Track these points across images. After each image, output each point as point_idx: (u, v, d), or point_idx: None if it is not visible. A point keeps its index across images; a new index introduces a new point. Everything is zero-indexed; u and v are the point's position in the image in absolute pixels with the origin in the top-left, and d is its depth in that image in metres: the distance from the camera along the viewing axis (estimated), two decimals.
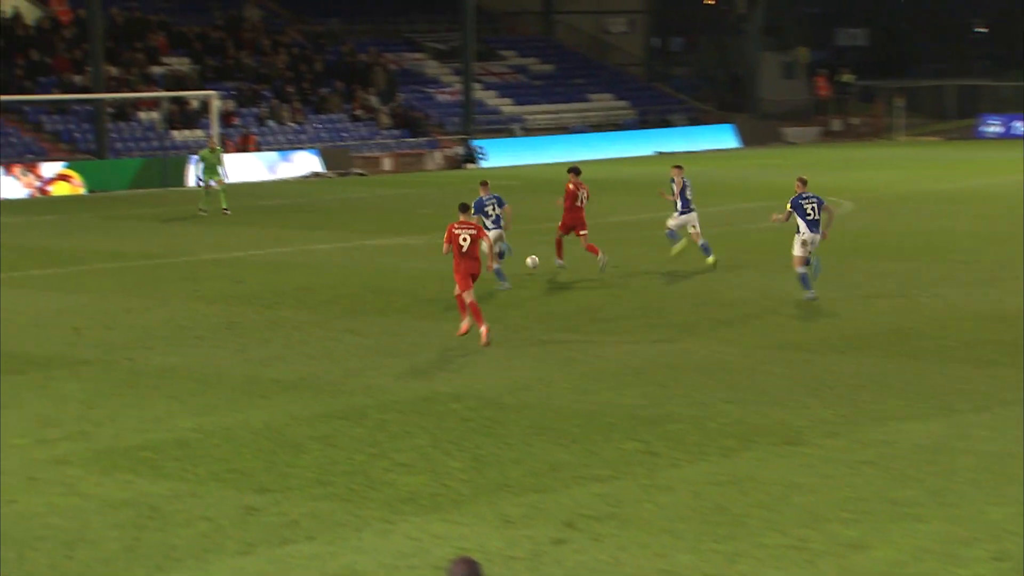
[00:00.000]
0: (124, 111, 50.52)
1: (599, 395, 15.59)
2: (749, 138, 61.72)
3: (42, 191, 43.82)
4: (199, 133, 50.62)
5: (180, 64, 54.31)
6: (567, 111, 62.20)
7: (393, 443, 13.63)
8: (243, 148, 50.33)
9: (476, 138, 56.02)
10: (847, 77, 68.12)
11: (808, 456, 12.98)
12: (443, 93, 60.49)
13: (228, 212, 35.83)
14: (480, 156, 54.55)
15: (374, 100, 57.54)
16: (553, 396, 15.55)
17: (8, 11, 53.20)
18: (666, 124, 62.34)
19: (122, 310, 21.44)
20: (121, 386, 16.15)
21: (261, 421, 14.49)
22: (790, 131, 63.75)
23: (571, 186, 24.67)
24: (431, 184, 47.03)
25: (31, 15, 54.05)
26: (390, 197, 34.20)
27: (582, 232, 24.39)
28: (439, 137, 56.47)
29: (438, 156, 55.21)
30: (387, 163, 54.06)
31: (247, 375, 16.69)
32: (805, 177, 21.90)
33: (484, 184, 23.55)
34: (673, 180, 24.77)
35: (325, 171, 51.14)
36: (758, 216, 31.22)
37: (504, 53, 65.30)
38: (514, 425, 14.31)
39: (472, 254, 18.53)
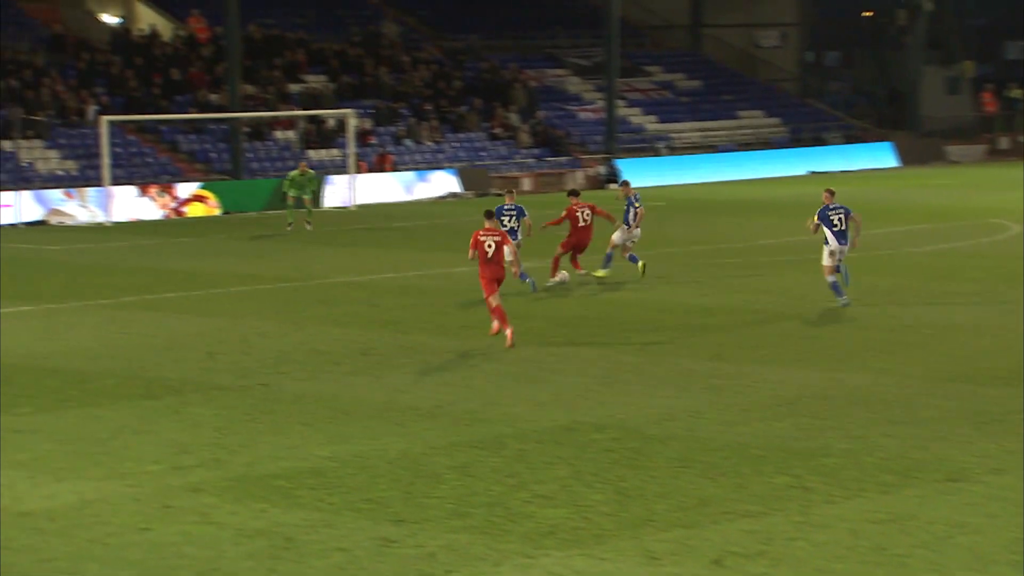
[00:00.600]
0: (260, 130, 51.53)
1: (748, 426, 15.43)
2: (909, 157, 60.72)
3: (177, 212, 44.82)
4: (335, 152, 51.42)
5: (317, 82, 55.25)
6: (715, 129, 61.88)
7: (533, 474, 13.65)
8: (379, 168, 50.99)
9: (619, 157, 55.99)
10: (1016, 92, 66.65)
11: (973, 494, 12.69)
12: (585, 111, 60.58)
13: (310, 227, 38.36)
14: (620, 176, 54.51)
15: (514, 118, 57.86)
16: (700, 427, 15.43)
17: (145, 28, 54.69)
18: (820, 142, 61.65)
19: (257, 334, 21.82)
20: (256, 412, 16.43)
21: (397, 449, 14.62)
22: (954, 149, 62.56)
23: (573, 208, 26.82)
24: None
25: (168, 32, 55.47)
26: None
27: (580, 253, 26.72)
28: (580, 156, 56.55)
29: (579, 176, 55.29)
30: (527, 183, 54.26)
31: (383, 402, 16.86)
32: (833, 189, 23.11)
33: (510, 193, 26.19)
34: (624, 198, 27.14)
35: (463, 191, 51.52)
36: (920, 239, 30.68)
37: (649, 69, 65.21)
38: (659, 457, 14.22)
39: (496, 260, 20.49)
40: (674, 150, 59.60)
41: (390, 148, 52.78)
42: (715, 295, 24.77)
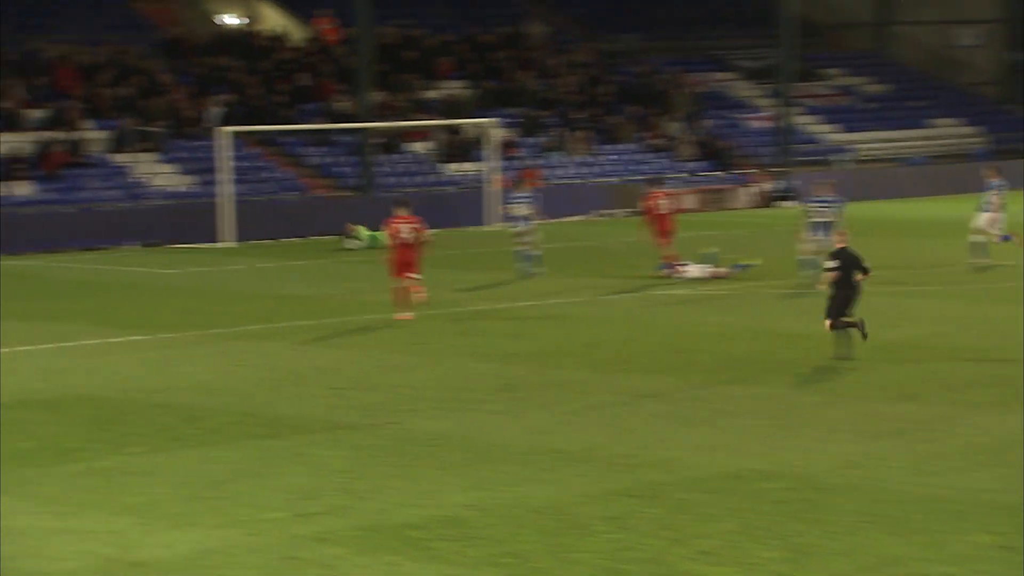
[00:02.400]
0: (392, 142, 52.09)
1: (943, 477, 15.18)
2: None
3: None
4: (474, 166, 51.75)
5: (456, 88, 55.74)
6: (904, 139, 61.12)
7: (695, 527, 13.58)
8: (521, 181, 50.98)
9: (794, 171, 55.57)
10: None
11: None
12: (755, 119, 60.24)
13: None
14: (791, 193, 54.05)
15: (674, 127, 57.76)
16: (886, 477, 15.22)
17: (270, 30, 55.41)
18: None
19: (387, 368, 22.06)
20: (386, 454, 16.60)
21: (543, 498, 14.65)
22: None
23: (652, 198, 32.86)
24: (739, 225, 46.83)
25: (295, 34, 56.27)
26: (691, 240, 34.27)
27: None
28: (749, 170, 56.22)
29: (748, 192, 54.98)
30: (688, 200, 54.08)
31: (527, 445, 16.92)
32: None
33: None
34: None
35: (616, 210, 51.56)
36: None
37: (828, 72, 64.68)
38: (839, 510, 14.06)
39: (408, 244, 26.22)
40: (858, 163, 58.94)
41: (535, 161, 52.98)
42: (903, 327, 24.42)
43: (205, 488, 15.18)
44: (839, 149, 59.45)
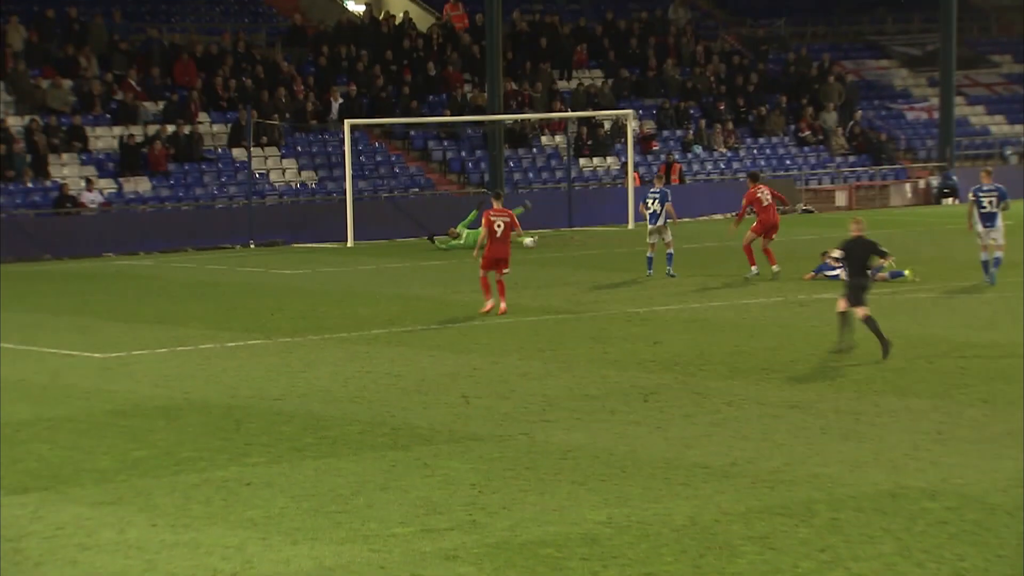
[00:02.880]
0: (524, 135, 52.23)
1: None
2: None
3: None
4: (611, 161, 51.78)
5: (591, 78, 55.78)
6: None
7: (849, 549, 13.46)
8: (663, 176, 50.88)
9: (957, 166, 54.86)
10: None
11: None
12: (915, 110, 59.63)
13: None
14: (954, 189, 53.35)
15: (827, 119, 57.32)
16: None
17: (396, 17, 55.73)
18: None
19: (518, 375, 22.12)
20: (517, 467, 16.65)
21: (684, 515, 14.61)
22: None
23: (753, 191, 33.32)
24: (898, 224, 46.33)
25: (422, 22, 56.59)
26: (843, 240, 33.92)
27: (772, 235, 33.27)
28: (909, 165, 55.62)
29: (907, 189, 54.42)
30: (841, 197, 53.70)
31: (667, 458, 16.89)
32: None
33: (659, 178, 35.54)
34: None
35: None
36: None
37: (996, 59, 63.77)
38: (1007, 531, 13.86)
39: (504, 238, 27.72)
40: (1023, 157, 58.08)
41: (676, 156, 52.86)
42: None
43: (328, 501, 15.34)
44: (1007, 142, 58.58)
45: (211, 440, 18.22)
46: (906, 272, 31.62)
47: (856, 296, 23.00)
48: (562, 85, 54.86)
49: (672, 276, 32.96)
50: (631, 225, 46.13)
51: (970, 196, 31.86)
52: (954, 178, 54.13)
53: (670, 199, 33.36)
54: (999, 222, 31.34)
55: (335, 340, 25.79)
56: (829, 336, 24.40)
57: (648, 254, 33.46)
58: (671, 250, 33.40)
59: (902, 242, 37.00)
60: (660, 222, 33.12)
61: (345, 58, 52.35)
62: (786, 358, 23.00)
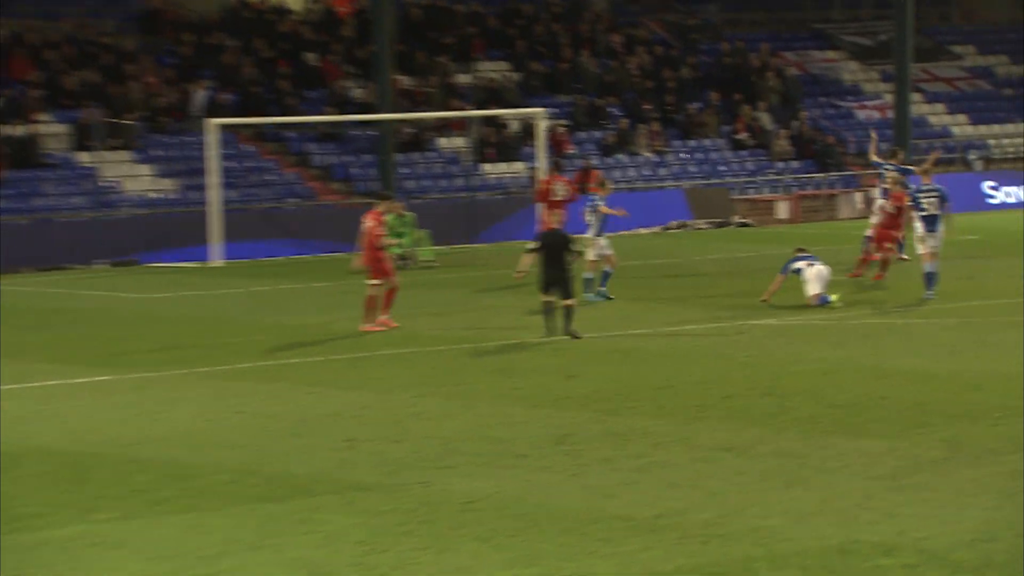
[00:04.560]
0: (419, 137, 52.24)
1: None
2: None
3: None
4: (518, 167, 51.89)
5: (496, 71, 55.92)
6: None
7: None
8: (581, 187, 51.05)
9: (915, 171, 55.43)
10: None
11: None
12: (866, 108, 60.29)
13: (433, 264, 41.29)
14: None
15: (766, 119, 57.82)
16: None
17: (272, 1, 55.44)
18: None
19: (413, 414, 22.11)
20: (411, 522, 16.62)
21: (605, 575, 14.66)
22: None
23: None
24: (847, 238, 46.71)
25: (300, 5, 56.39)
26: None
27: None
28: (860, 172, 56.17)
29: (857, 199, 54.91)
30: (783, 209, 54.14)
31: (584, 509, 16.92)
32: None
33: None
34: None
35: (694, 220, 51.60)
36: None
37: (958, 50, 64.60)
38: None
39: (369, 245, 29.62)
40: (992, 162, 58.85)
41: (595, 161, 53.10)
42: None
43: (190, 563, 15.24)
44: (971, 145, 59.35)
45: (53, 493, 18.05)
46: (832, 298, 31.67)
47: (553, 286, 27.90)
48: (462, 79, 54.96)
49: (606, 299, 33.11)
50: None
51: (906, 199, 32.64)
52: (912, 186, 54.73)
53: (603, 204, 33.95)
54: (940, 227, 31.97)
55: (199, 375, 25.65)
56: (770, 368, 24.57)
57: (586, 274, 33.59)
58: (609, 267, 33.58)
59: (850, 259, 37.34)
60: (594, 233, 33.71)
61: (210, 48, 52.12)
62: (721, 393, 23.13)
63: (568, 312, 28.17)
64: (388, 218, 41.06)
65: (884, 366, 25.26)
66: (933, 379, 23.91)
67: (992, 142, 59.79)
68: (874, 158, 40.84)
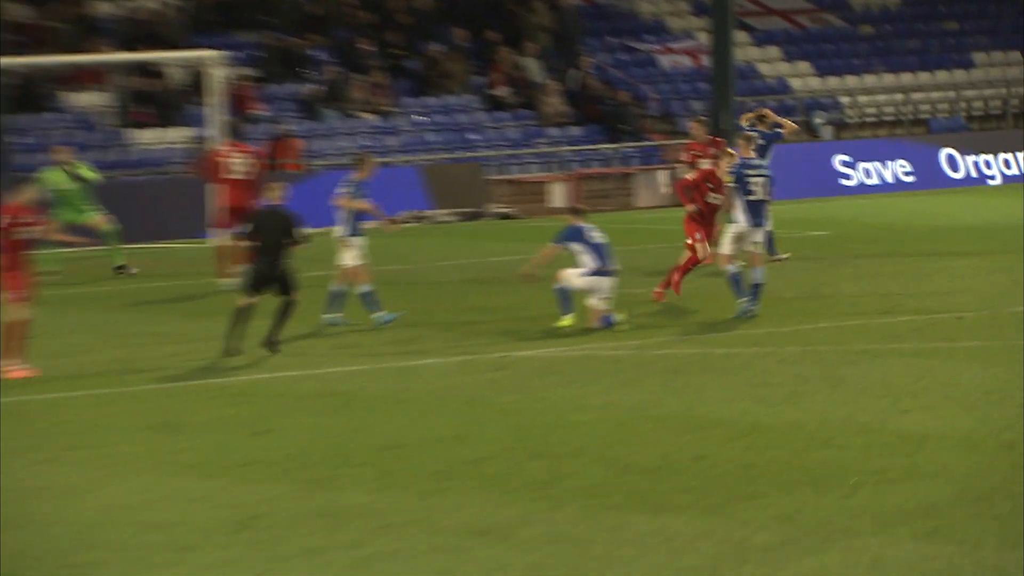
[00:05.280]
0: (35, 91, 51.71)
1: None
2: None
3: None
4: (186, 134, 51.55)
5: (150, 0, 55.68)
6: (927, 88, 62.15)
7: None
8: (272, 161, 50.82)
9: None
10: None
11: None
12: (674, 52, 60.96)
13: (130, 271, 41.73)
14: None
15: (533, 67, 58.14)
16: None
17: None
18: None
19: (34, 489, 21.95)
20: None
21: None
22: None
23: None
24: (646, 235, 47.19)
25: None
26: (527, 261, 34.35)
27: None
28: (665, 142, 56.75)
29: (661, 179, 55.46)
30: (558, 194, 54.47)
31: None
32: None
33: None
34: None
35: (434, 210, 51.78)
36: None
37: None
38: None
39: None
40: (846, 128, 59.91)
41: (294, 126, 53.06)
42: (918, 415, 24.87)
43: None
44: (815, 104, 60.38)
45: None
46: (617, 317, 32.02)
47: (267, 284, 29.51)
48: (102, 9, 54.57)
49: (340, 323, 33.23)
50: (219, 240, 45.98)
51: (728, 178, 33.01)
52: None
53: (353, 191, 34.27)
54: (768, 217, 32.63)
55: None
56: (541, 419, 24.75)
57: (333, 287, 33.53)
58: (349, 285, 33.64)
59: (653, 264, 37.75)
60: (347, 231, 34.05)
61: None
62: (472, 455, 23.22)
63: (284, 312, 29.57)
64: (51, 173, 41.00)
65: (697, 414, 25.49)
66: (765, 432, 24.17)
67: (845, 100, 60.79)
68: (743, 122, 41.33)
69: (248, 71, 54.17)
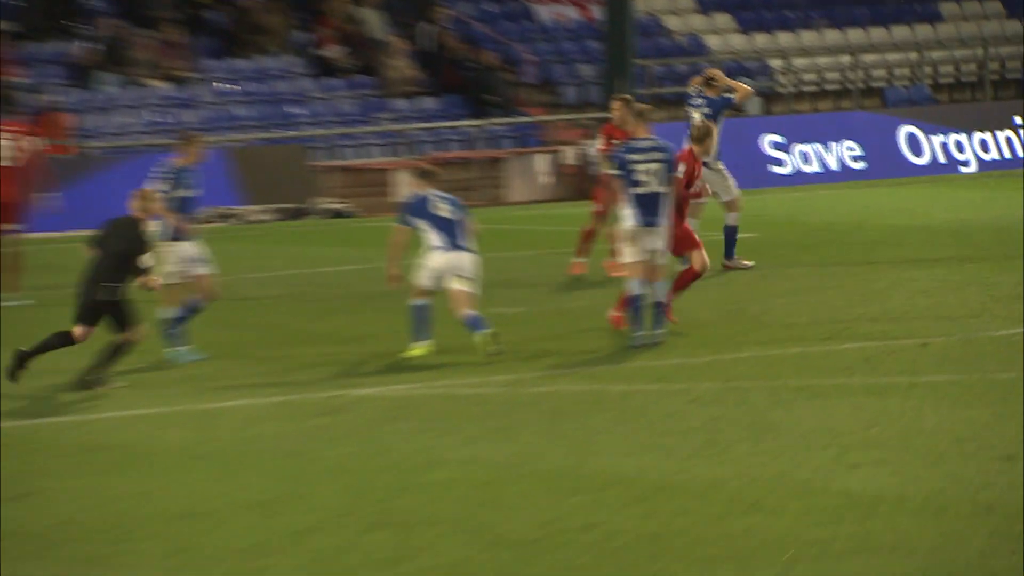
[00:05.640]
0: None
1: None
2: None
3: None
4: None
5: None
6: (881, 50, 62.70)
7: None
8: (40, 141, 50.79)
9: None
10: None
11: None
12: (556, 4, 61.26)
13: None
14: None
15: (374, 20, 58.34)
16: None
17: None
18: None
19: None
20: None
21: None
22: None
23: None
24: (520, 238, 47.46)
25: None
26: (369, 272, 34.55)
27: None
28: (546, 117, 57.04)
29: (540, 166, 55.77)
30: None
31: None
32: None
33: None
34: None
35: (244, 206, 51.94)
36: None
37: None
38: None
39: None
40: (778, 100, 60.41)
41: (60, 96, 53.07)
42: (869, 471, 25.08)
43: None
44: (737, 69, 60.78)
45: None
46: (475, 337, 32.14)
47: (101, 312, 29.96)
48: None
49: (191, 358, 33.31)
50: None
51: (610, 166, 33.05)
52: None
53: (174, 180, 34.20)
54: (664, 217, 32.33)
55: None
56: (383, 478, 24.88)
57: (165, 311, 33.56)
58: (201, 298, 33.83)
59: (529, 275, 38.02)
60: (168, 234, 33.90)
61: None
62: (294, 525, 23.25)
63: (117, 350, 30.30)
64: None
65: (587, 470, 25.64)
66: (674, 493, 24.32)
67: (777, 64, 61.22)
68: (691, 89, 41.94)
69: (5, 26, 54.13)
